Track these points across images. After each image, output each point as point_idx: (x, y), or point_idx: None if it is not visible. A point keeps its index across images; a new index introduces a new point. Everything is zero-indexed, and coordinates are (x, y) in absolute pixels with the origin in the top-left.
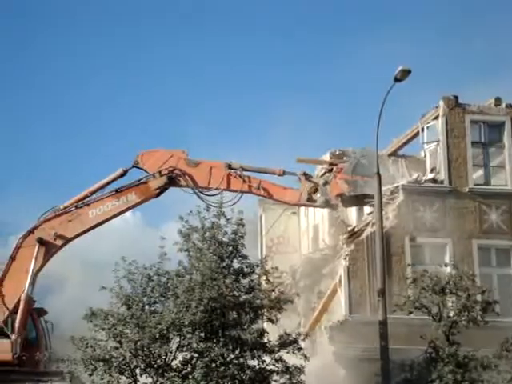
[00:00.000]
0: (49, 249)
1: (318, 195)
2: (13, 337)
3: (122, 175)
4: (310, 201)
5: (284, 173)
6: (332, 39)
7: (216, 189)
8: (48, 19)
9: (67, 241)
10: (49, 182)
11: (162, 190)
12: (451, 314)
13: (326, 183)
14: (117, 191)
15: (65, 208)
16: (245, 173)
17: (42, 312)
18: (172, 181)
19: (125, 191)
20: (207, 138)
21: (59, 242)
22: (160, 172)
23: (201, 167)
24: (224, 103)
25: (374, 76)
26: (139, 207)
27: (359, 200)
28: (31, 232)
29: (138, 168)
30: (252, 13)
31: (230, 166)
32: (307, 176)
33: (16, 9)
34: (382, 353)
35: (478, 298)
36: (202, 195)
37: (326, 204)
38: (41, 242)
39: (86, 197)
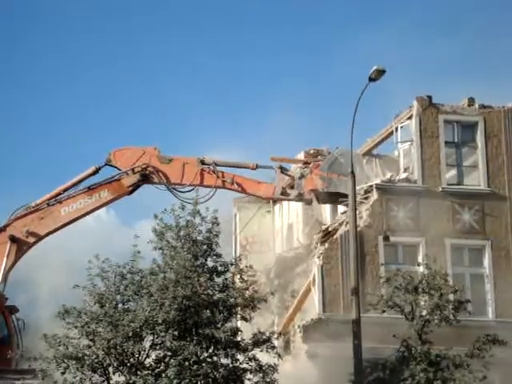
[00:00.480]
0: (20, 246)
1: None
2: None
3: (95, 173)
4: (284, 195)
5: (257, 166)
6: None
7: (190, 185)
8: (38, 16)
9: (39, 238)
10: (38, 179)
11: (135, 187)
12: (424, 312)
13: (301, 177)
14: (89, 188)
15: (36, 206)
16: (218, 168)
17: (13, 310)
18: (145, 178)
19: (97, 188)
20: (207, 128)
21: (31, 240)
22: (133, 169)
23: (174, 164)
24: (225, 95)
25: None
26: (113, 205)
27: (333, 198)
28: (2, 230)
29: (111, 166)
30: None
31: (203, 162)
32: (283, 170)
33: (5, 6)
34: (355, 351)
35: (451, 297)
36: (175, 192)
37: (300, 198)
38: (13, 239)
39: (58, 194)
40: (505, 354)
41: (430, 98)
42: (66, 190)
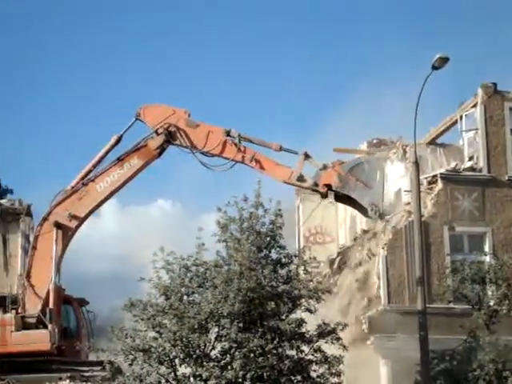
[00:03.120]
0: (66, 232)
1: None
2: (50, 327)
3: (117, 142)
4: (301, 181)
5: (281, 148)
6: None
7: (207, 153)
8: None
9: (82, 219)
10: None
11: (162, 149)
12: (491, 303)
13: (323, 168)
14: (119, 160)
15: (72, 188)
16: (243, 143)
17: (83, 302)
18: (170, 139)
19: (127, 158)
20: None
21: (74, 224)
22: (156, 131)
23: (199, 129)
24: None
25: None
26: (179, 198)
27: (349, 201)
28: (45, 219)
29: (139, 120)
30: None
31: (228, 133)
32: (307, 156)
33: None
34: (421, 342)
35: None
36: (199, 158)
37: (314, 188)
38: (58, 225)
39: (89, 171)
40: None
41: (495, 85)
42: (95, 165)
